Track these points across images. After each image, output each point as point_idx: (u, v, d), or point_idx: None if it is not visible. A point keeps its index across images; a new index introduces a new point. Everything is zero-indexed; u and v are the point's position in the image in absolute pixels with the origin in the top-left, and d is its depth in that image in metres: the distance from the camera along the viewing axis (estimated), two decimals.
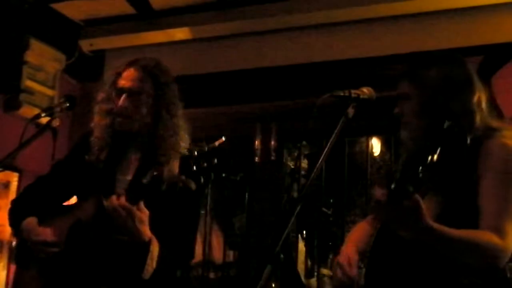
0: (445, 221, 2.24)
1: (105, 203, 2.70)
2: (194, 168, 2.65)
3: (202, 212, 5.83)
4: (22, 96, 5.00)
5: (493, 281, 2.37)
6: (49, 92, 5.22)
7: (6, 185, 5.01)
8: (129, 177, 2.99)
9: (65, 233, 2.91)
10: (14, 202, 3.20)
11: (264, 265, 1.94)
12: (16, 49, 5.05)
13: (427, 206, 2.14)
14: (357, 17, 4.76)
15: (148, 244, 2.72)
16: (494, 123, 2.53)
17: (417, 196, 2.06)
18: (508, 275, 2.42)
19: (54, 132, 5.00)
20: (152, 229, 2.75)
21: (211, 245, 5.76)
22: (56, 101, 5.03)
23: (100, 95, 3.08)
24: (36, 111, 4.07)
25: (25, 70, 5.04)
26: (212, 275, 5.77)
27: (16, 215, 3.07)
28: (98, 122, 3.06)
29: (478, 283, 2.34)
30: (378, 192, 2.13)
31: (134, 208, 2.66)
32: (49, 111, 3.24)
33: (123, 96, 2.97)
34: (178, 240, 2.88)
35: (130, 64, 3.04)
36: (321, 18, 4.82)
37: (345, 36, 4.85)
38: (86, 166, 3.04)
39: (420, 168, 2.02)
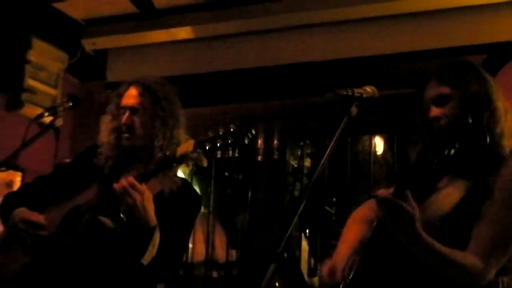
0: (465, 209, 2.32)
1: (115, 185, 2.73)
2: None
3: (205, 211, 5.84)
4: (25, 96, 5.00)
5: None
6: (52, 91, 5.23)
7: (9, 184, 5.02)
8: None
9: (60, 218, 2.96)
10: (7, 196, 3.24)
11: (268, 263, 1.94)
12: (19, 49, 5.06)
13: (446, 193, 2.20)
14: (360, 15, 4.75)
15: (154, 228, 2.75)
16: None
17: (412, 202, 2.13)
18: (501, 287, 2.41)
19: (57, 131, 5.01)
20: None
21: (214, 244, 5.77)
22: (58, 101, 5.04)
23: (106, 116, 3.19)
24: (38, 110, 4.08)
25: (28, 69, 5.05)
26: (214, 274, 5.78)
27: (7, 206, 3.10)
28: (105, 139, 3.15)
29: None
30: (382, 191, 2.17)
31: (142, 186, 2.71)
32: (52, 110, 3.25)
33: (127, 113, 3.09)
34: (172, 239, 2.90)
35: (130, 83, 3.18)
36: (323, 17, 4.82)
37: (347, 35, 4.84)
38: (92, 168, 3.11)
39: (435, 160, 2.03)
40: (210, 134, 2.71)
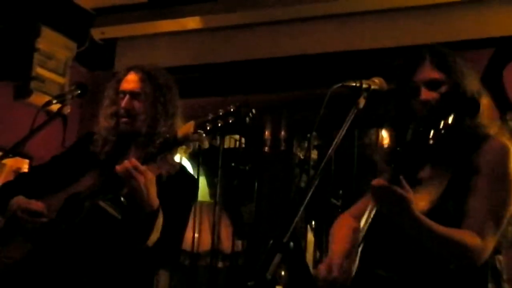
0: (449, 199, 2.34)
1: (117, 167, 2.74)
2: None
3: (211, 201, 5.85)
4: (33, 84, 5.01)
5: (480, 270, 2.41)
6: (60, 79, 5.23)
7: (17, 172, 5.02)
8: None
9: (59, 205, 2.97)
10: (2, 185, 3.28)
11: (274, 253, 1.95)
12: (27, 37, 5.06)
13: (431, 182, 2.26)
14: (370, 7, 4.74)
15: (157, 210, 2.76)
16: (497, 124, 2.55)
17: (407, 186, 2.13)
18: (498, 265, 2.46)
19: (65, 119, 5.03)
20: None
21: (220, 235, 5.77)
22: (66, 89, 5.04)
23: (105, 101, 3.21)
24: (46, 98, 4.09)
25: (36, 57, 5.06)
26: (220, 264, 5.79)
27: (3, 195, 3.11)
28: (103, 124, 3.17)
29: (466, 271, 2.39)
30: (377, 180, 2.18)
31: (146, 168, 2.71)
32: (60, 98, 3.26)
33: (126, 97, 3.10)
34: (167, 235, 2.91)
35: (129, 69, 3.20)
36: (333, 8, 4.81)
37: (356, 27, 4.84)
38: (89, 155, 3.13)
39: (432, 133, 2.04)
40: (211, 115, 2.73)
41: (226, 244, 5.80)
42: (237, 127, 2.76)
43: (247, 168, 6.06)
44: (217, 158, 5.62)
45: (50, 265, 2.90)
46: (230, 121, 2.72)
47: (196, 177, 3.59)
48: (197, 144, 2.73)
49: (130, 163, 2.70)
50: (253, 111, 2.77)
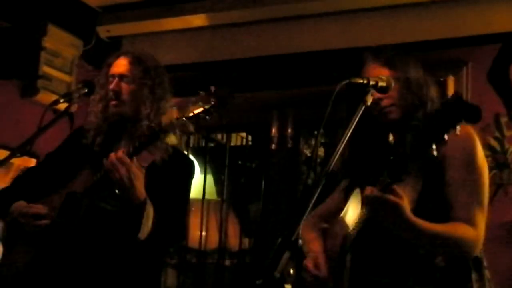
0: (421, 208, 2.34)
1: (104, 160, 2.78)
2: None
3: (218, 199, 5.85)
4: (40, 82, 5.01)
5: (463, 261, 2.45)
6: (66, 78, 5.23)
7: (24, 171, 5.04)
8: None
9: (57, 206, 2.98)
10: (1, 191, 3.26)
11: (282, 252, 1.95)
12: (34, 35, 5.06)
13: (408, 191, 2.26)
14: (376, 4, 4.73)
15: (143, 203, 2.78)
16: None
17: (400, 193, 2.14)
18: (478, 253, 2.47)
19: (71, 117, 5.02)
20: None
21: (227, 233, 5.78)
22: (73, 87, 5.04)
23: (96, 87, 3.24)
24: (53, 97, 4.09)
25: (43, 56, 5.05)
26: (227, 262, 5.80)
27: (3, 201, 3.12)
28: (92, 108, 3.20)
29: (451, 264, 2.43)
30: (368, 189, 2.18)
31: (131, 162, 2.75)
32: (68, 96, 3.27)
33: (115, 80, 3.13)
34: (168, 216, 2.93)
35: (119, 54, 3.25)
36: (339, 5, 4.80)
37: (363, 23, 4.82)
38: (81, 148, 3.15)
39: (435, 146, 2.03)
40: (192, 99, 2.76)
41: (233, 242, 5.81)
42: (218, 110, 2.80)
43: (253, 165, 6.06)
44: (223, 156, 5.63)
45: (56, 269, 2.91)
46: (213, 103, 2.77)
47: (193, 159, 3.60)
48: (183, 129, 2.78)
49: (115, 155, 2.75)
50: (231, 93, 2.83)
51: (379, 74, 2.52)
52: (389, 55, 2.66)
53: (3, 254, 3.12)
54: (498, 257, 4.17)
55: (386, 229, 2.28)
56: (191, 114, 2.76)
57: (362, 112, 2.35)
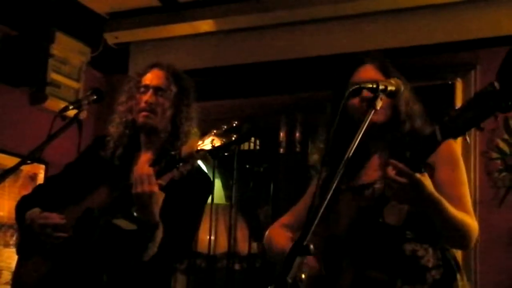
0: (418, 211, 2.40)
1: (134, 171, 2.79)
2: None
3: (227, 203, 5.85)
4: (48, 89, 5.04)
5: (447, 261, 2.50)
6: (75, 85, 5.26)
7: (33, 178, 5.06)
8: None
9: (74, 220, 2.96)
10: (22, 199, 3.25)
11: (294, 257, 1.95)
12: (42, 42, 5.08)
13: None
14: (383, 8, 4.73)
15: (156, 226, 2.76)
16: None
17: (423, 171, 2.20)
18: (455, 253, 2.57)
19: (80, 124, 5.03)
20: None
21: (236, 237, 5.77)
22: (81, 94, 5.07)
23: (121, 97, 3.19)
24: (61, 104, 4.11)
25: (51, 63, 5.08)
26: (237, 266, 5.79)
27: (22, 208, 3.11)
28: (118, 120, 3.14)
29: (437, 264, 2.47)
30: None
31: (156, 182, 2.72)
32: (77, 103, 3.25)
33: (150, 92, 3.05)
34: (179, 234, 2.92)
35: (153, 66, 3.16)
36: (346, 9, 4.80)
37: (371, 27, 4.82)
38: (101, 161, 3.11)
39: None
40: (213, 131, 2.75)
41: (243, 246, 5.80)
42: (238, 143, 2.81)
43: (262, 170, 6.06)
44: (232, 160, 5.62)
45: (71, 284, 2.90)
46: (233, 139, 2.76)
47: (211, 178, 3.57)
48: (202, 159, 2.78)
49: (146, 171, 2.72)
50: (251, 127, 2.83)
51: (372, 76, 2.58)
52: (384, 61, 2.71)
53: (18, 262, 3.13)
54: (509, 258, 4.19)
55: (373, 232, 2.35)
56: (211, 147, 2.74)
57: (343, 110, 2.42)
